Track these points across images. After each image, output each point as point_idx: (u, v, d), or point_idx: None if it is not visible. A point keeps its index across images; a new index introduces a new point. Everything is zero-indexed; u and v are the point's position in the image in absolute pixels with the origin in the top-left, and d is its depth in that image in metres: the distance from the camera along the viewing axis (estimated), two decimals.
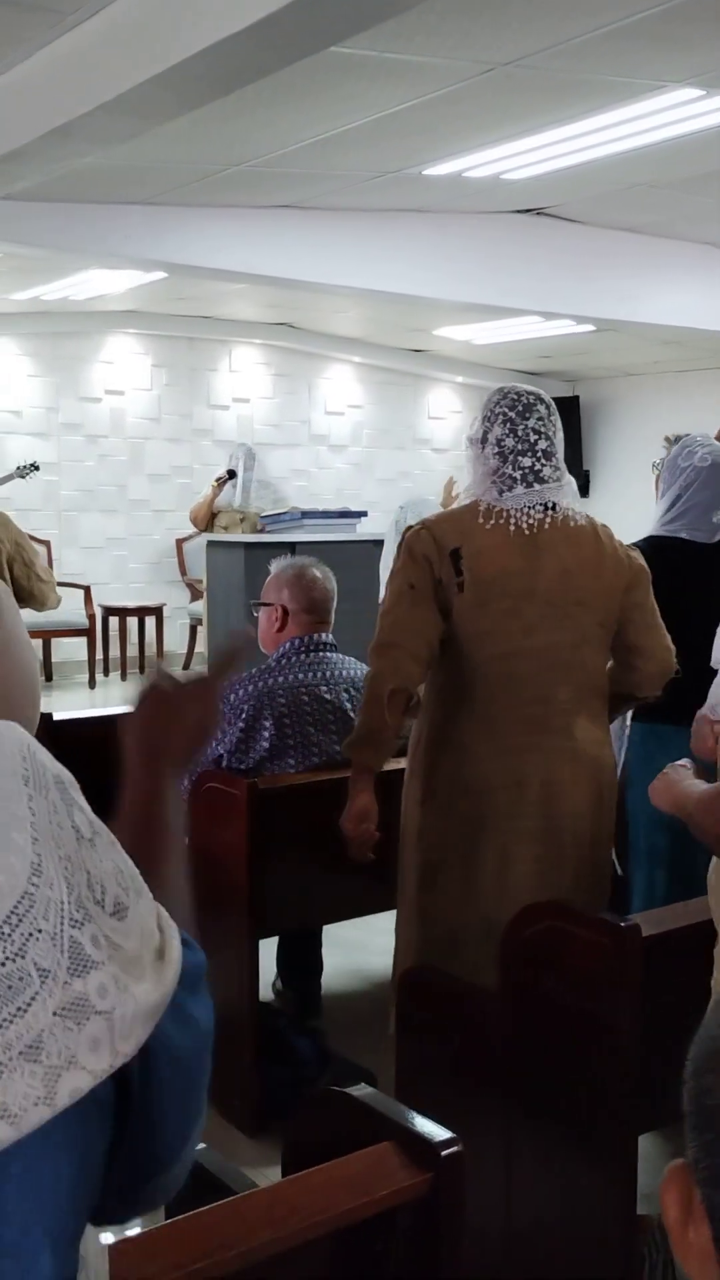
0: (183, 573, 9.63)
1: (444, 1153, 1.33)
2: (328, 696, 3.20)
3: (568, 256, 6.67)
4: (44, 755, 0.67)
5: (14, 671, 1.30)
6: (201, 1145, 1.66)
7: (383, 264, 6.25)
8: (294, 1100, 2.91)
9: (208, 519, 8.17)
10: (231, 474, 8.10)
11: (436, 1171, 1.32)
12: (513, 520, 2.58)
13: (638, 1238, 2.11)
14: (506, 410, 2.63)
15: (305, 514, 7.69)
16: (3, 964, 0.58)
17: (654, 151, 5.05)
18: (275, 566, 3.43)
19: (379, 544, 7.43)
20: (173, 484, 9.69)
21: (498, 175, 5.39)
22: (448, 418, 11.00)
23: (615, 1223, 2.09)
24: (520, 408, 2.63)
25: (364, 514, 8.05)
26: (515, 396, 2.65)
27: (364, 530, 7.88)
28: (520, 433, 2.61)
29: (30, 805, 0.63)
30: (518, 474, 2.59)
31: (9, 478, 7.46)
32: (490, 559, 2.56)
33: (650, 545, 3.01)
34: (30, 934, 0.59)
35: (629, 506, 8.99)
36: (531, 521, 2.59)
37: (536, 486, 2.60)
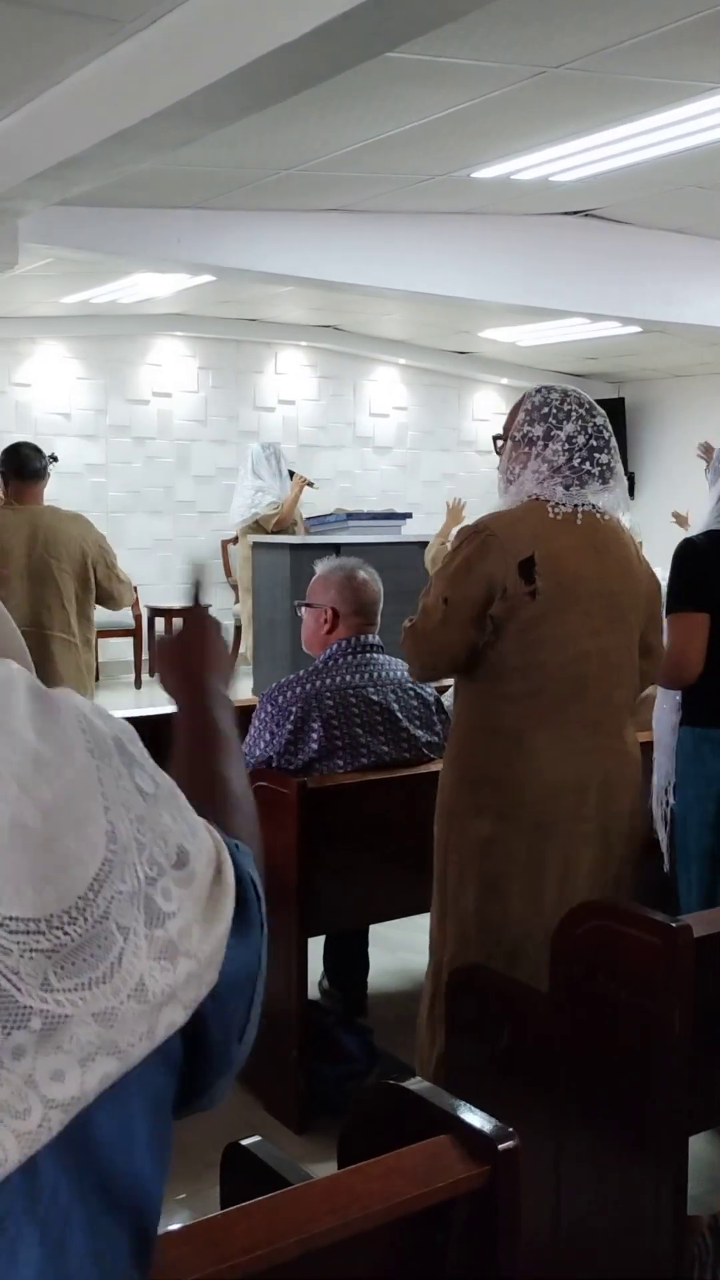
0: (228, 574, 9.69)
1: (500, 1146, 1.35)
2: (375, 698, 3.22)
3: (615, 258, 6.66)
4: (99, 720, 0.72)
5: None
6: (255, 1138, 1.69)
7: (430, 266, 6.27)
8: (341, 1097, 2.95)
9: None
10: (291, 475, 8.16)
11: (494, 1165, 1.34)
12: (580, 518, 2.56)
13: (688, 1238, 2.12)
14: (575, 407, 2.59)
15: (350, 515, 7.73)
16: (93, 926, 0.63)
17: (703, 153, 5.04)
18: (321, 567, 3.44)
19: (425, 546, 7.44)
20: (218, 485, 9.76)
21: (546, 177, 5.39)
22: (492, 420, 10.99)
23: (665, 1223, 2.09)
24: (587, 405, 2.61)
25: (409, 515, 8.07)
26: (576, 394, 2.63)
27: (409, 531, 7.89)
28: (591, 429, 2.58)
29: (99, 776, 0.68)
30: (596, 470, 2.57)
31: None
32: (567, 562, 2.52)
33: (709, 539, 3.00)
34: (112, 897, 0.65)
35: (676, 510, 8.96)
36: (596, 519, 2.58)
37: (611, 483, 2.59)
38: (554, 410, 2.59)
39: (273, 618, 7.28)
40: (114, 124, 3.16)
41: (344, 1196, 1.26)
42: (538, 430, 2.59)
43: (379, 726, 3.22)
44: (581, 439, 2.57)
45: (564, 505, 2.56)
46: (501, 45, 3.63)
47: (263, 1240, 1.19)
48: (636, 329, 7.94)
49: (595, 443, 2.58)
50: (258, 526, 7.99)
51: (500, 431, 2.70)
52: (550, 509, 2.55)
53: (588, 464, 2.57)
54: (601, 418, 2.62)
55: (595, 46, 3.70)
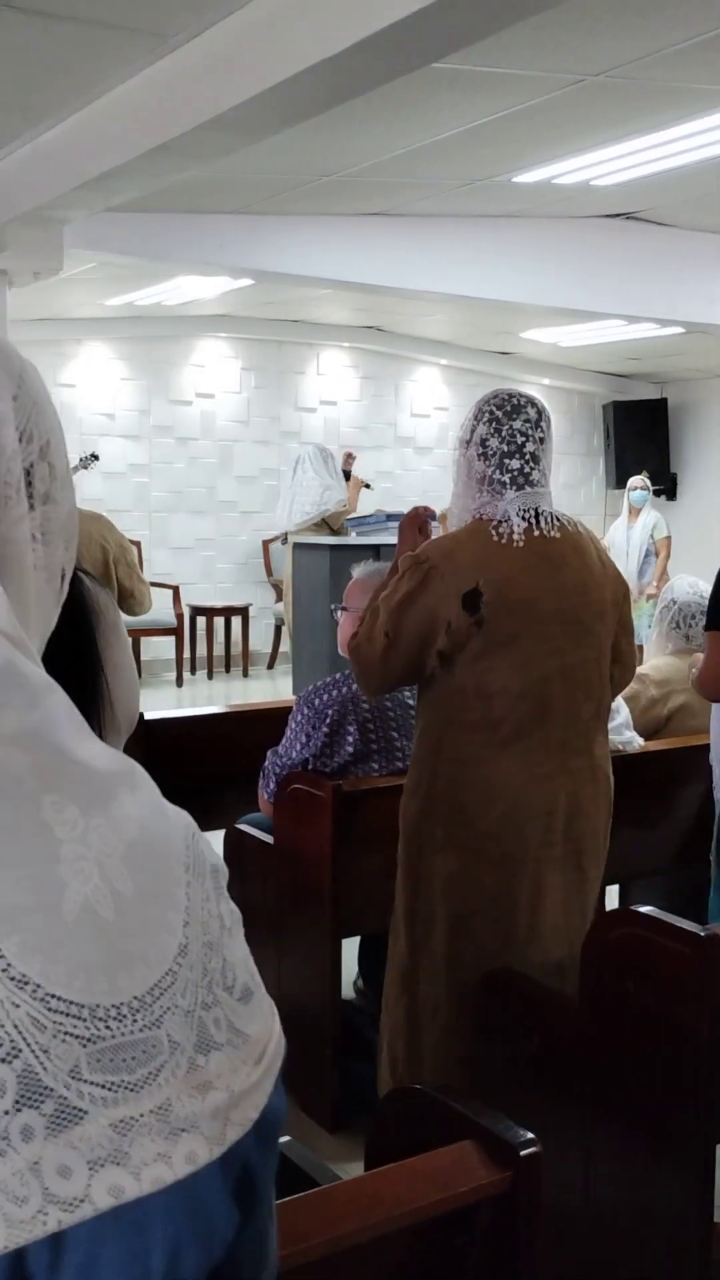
0: (269, 573, 9.75)
1: (523, 1152, 1.37)
2: (411, 701, 3.24)
3: (657, 260, 6.64)
4: (204, 845, 0.72)
5: (123, 671, 1.36)
6: (285, 1138, 1.73)
7: (471, 269, 6.27)
8: (374, 1097, 2.98)
9: None
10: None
11: (516, 1170, 1.36)
12: (527, 534, 2.45)
13: (715, 1245, 2.13)
14: (494, 409, 2.48)
15: (390, 517, 7.74)
16: (142, 1030, 0.62)
17: None
18: (358, 571, 3.47)
19: None
20: (260, 486, 9.82)
21: (587, 182, 5.39)
22: None
23: (692, 1229, 2.11)
24: (508, 408, 2.48)
25: None
26: (505, 397, 2.51)
27: None
28: (505, 433, 2.46)
29: (187, 891, 0.67)
30: (505, 477, 2.45)
31: (73, 470, 7.59)
32: (515, 586, 2.42)
33: None
34: (168, 1008, 0.64)
35: (718, 510, 8.92)
36: (546, 531, 2.48)
37: (527, 489, 2.47)
38: (477, 411, 2.52)
39: (312, 618, 7.32)
40: (156, 136, 3.20)
41: (368, 1199, 1.29)
42: (465, 432, 2.53)
43: (414, 730, 3.24)
44: (494, 442, 2.47)
45: (507, 523, 2.46)
46: (542, 54, 3.64)
47: (287, 1240, 1.22)
48: (678, 329, 7.90)
49: (507, 448, 2.46)
50: (324, 524, 8.02)
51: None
52: (493, 530, 2.45)
53: (497, 471, 2.46)
54: (521, 422, 2.47)
55: (635, 54, 3.70)
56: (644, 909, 2.22)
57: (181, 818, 0.71)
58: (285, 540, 8.46)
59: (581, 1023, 2.24)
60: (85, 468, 7.67)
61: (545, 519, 2.48)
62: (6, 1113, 0.57)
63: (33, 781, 0.64)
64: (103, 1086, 0.60)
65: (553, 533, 2.49)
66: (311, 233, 5.83)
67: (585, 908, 2.56)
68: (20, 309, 7.06)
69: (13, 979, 0.59)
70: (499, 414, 2.47)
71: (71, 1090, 0.59)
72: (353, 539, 7.58)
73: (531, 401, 2.51)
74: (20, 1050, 0.58)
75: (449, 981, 2.56)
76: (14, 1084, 0.58)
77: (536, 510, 2.48)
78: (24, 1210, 0.57)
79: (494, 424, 2.47)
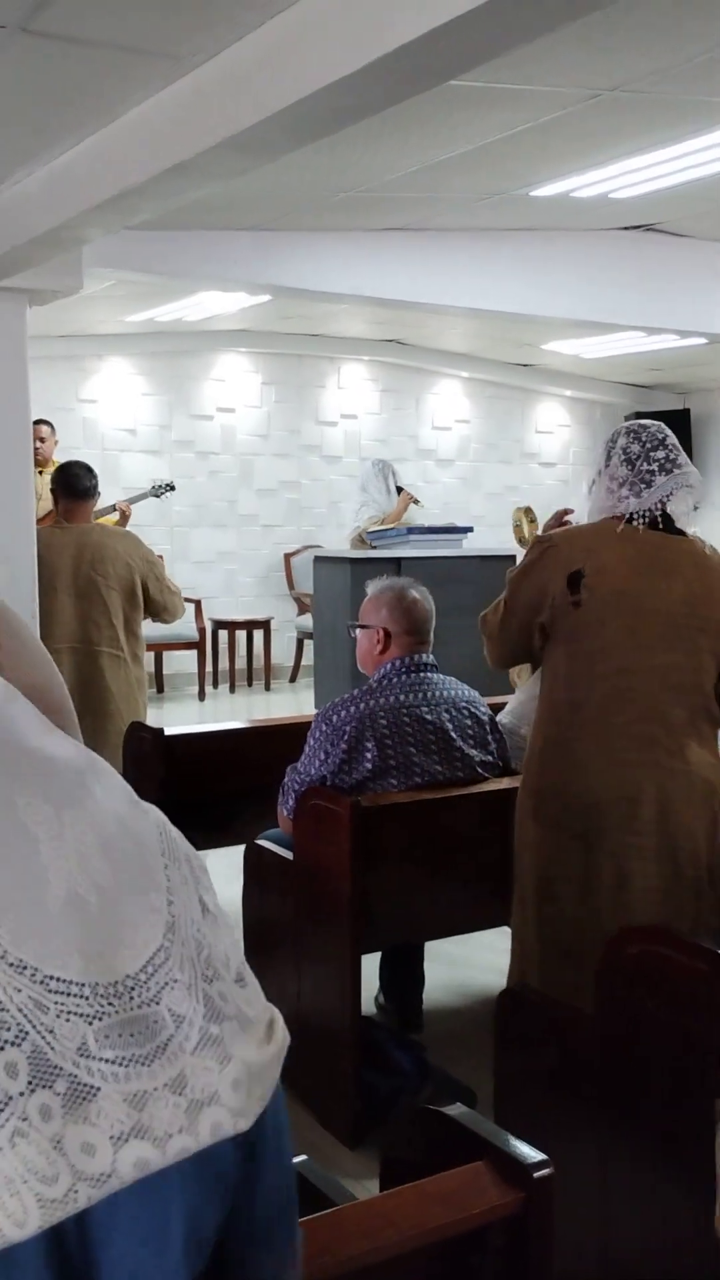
0: (290, 587, 9.77)
1: (536, 1174, 1.37)
2: (429, 717, 3.24)
3: (678, 271, 6.63)
4: (176, 834, 0.74)
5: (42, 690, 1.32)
6: (302, 1157, 1.73)
7: (491, 283, 6.28)
8: (394, 1113, 2.98)
9: None
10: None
11: (528, 1192, 1.36)
12: (644, 533, 2.65)
13: None
14: (631, 428, 2.76)
15: (411, 530, 7.74)
16: (141, 1006, 0.64)
17: None
18: (372, 588, 3.47)
19: (486, 559, 7.46)
20: (281, 499, 9.85)
21: (605, 194, 5.39)
22: (556, 431, 10.96)
23: (710, 1243, 2.10)
24: (641, 424, 2.78)
25: (470, 529, 8.07)
26: (636, 418, 2.81)
27: (470, 545, 7.89)
28: (645, 439, 2.71)
29: (166, 873, 0.70)
30: (653, 466, 2.68)
31: (143, 496, 7.59)
32: (613, 576, 2.64)
33: None
34: (165, 984, 0.65)
35: None
36: (668, 539, 2.67)
37: (676, 472, 2.68)
38: (612, 436, 2.79)
39: (333, 632, 7.34)
40: (173, 156, 3.23)
41: (378, 1220, 1.29)
42: (603, 450, 2.78)
43: (432, 746, 3.24)
44: (636, 448, 2.70)
45: (636, 519, 2.66)
46: (556, 70, 3.66)
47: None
48: (700, 340, 7.88)
49: (649, 446, 2.70)
50: (361, 540, 8.03)
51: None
52: (619, 522, 2.67)
53: (644, 463, 2.68)
54: (657, 428, 2.74)
55: (649, 69, 3.71)
56: (663, 925, 2.22)
57: (152, 811, 0.73)
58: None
59: (598, 1037, 2.24)
60: (158, 495, 7.64)
61: (679, 517, 2.71)
62: (22, 1094, 0.58)
63: (4, 784, 0.65)
64: (113, 1062, 0.62)
65: (684, 540, 2.70)
66: (329, 248, 5.85)
67: (684, 906, 2.62)
68: (42, 326, 7.11)
69: (10, 964, 0.60)
70: (636, 427, 2.75)
71: (81, 1068, 0.60)
72: (373, 552, 7.58)
73: (661, 426, 2.77)
74: (27, 1032, 0.59)
75: (540, 939, 2.75)
76: (25, 1066, 0.59)
77: (667, 498, 2.70)
78: (55, 1189, 0.58)
79: (632, 434, 2.73)
